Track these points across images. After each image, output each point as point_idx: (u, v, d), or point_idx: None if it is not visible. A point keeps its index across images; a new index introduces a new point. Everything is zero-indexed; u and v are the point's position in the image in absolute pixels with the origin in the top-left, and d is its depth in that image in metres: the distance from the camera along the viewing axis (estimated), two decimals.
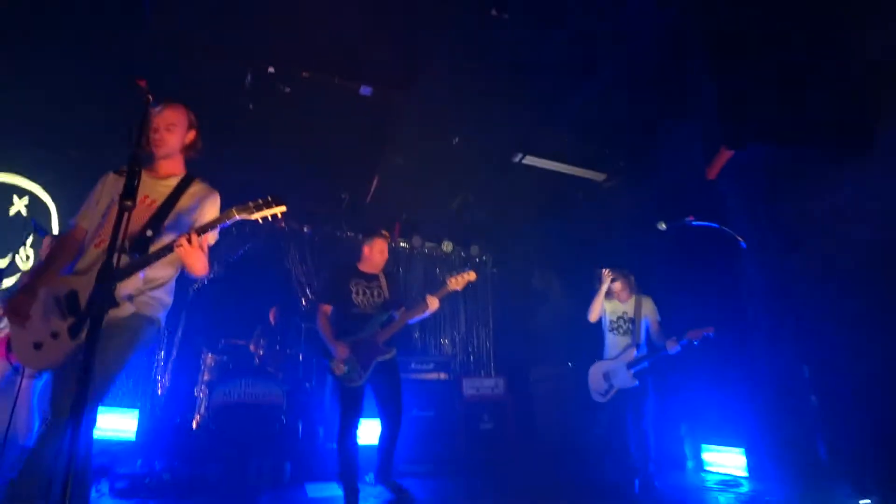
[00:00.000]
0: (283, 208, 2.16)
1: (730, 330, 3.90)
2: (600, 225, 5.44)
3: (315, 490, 4.06)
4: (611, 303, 4.27)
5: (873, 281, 3.06)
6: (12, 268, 4.52)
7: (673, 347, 3.82)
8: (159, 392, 4.99)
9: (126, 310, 2.02)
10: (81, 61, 4.05)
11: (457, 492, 4.22)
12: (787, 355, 3.45)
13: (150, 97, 1.90)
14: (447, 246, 6.49)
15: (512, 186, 5.65)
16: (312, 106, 4.73)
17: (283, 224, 6.02)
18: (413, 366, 5.41)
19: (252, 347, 5.10)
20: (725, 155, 3.28)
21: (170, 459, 4.06)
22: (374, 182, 5.81)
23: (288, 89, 4.56)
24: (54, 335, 1.97)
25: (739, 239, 3.01)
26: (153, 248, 2.06)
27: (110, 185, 2.24)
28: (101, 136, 4.54)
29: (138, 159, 1.70)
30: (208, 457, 4.14)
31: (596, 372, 4.23)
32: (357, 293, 3.65)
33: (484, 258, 6.74)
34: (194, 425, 4.47)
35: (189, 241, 2.01)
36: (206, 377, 4.77)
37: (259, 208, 2.11)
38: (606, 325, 4.27)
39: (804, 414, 2.83)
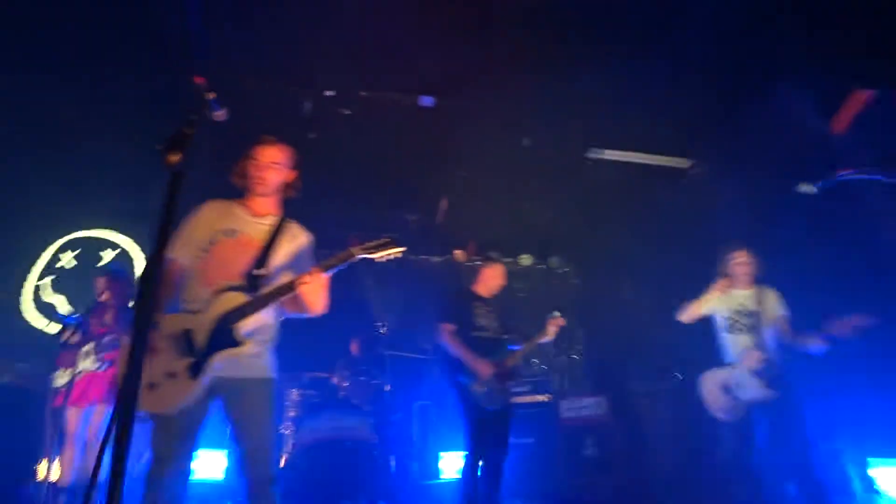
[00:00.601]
0: (403, 250, 2.22)
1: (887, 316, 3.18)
2: (690, 217, 4.85)
3: None
4: (725, 296, 3.49)
5: None
6: None
7: (817, 346, 3.11)
8: None
9: (250, 349, 2.00)
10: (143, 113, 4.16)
11: None
12: None
13: (210, 95, 1.77)
14: (525, 260, 6.12)
15: (588, 187, 5.23)
16: (373, 125, 4.65)
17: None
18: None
19: (335, 380, 4.94)
20: (859, 101, 2.72)
21: None
22: (444, 203, 5.61)
23: (348, 111, 4.50)
24: (171, 375, 1.89)
25: None
26: (267, 290, 2.05)
27: (209, 218, 2.19)
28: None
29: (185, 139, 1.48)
30: (298, 497, 3.93)
31: (711, 384, 3.47)
32: (480, 316, 3.62)
33: (567, 270, 6.28)
34: (282, 464, 4.30)
35: (312, 278, 2.05)
36: (291, 413, 4.63)
37: (379, 249, 2.18)
38: (721, 324, 3.52)
39: None
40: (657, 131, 4.73)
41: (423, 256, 6.10)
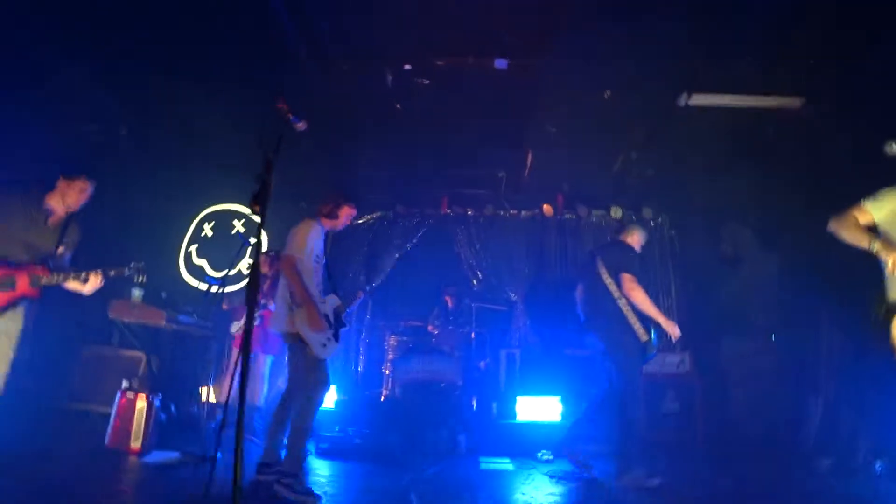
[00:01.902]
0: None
1: None
2: (803, 163, 4.38)
3: (487, 462, 4.23)
4: None
5: None
6: (238, 276, 5.73)
7: None
8: (353, 368, 5.76)
9: None
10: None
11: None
12: None
13: (291, 115, 2.23)
14: (616, 212, 5.99)
15: (681, 134, 4.93)
16: (453, 91, 4.83)
17: (448, 210, 6.31)
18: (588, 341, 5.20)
19: (429, 328, 5.52)
20: None
21: (361, 427, 4.68)
22: (529, 157, 5.67)
23: (426, 81, 4.73)
24: (329, 338, 3.07)
25: None
26: None
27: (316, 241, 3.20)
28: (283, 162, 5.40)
29: (271, 166, 2.00)
30: (393, 426, 4.64)
31: None
32: None
33: (659, 220, 6.05)
34: (382, 398, 5.06)
35: None
36: (390, 356, 5.34)
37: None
38: None
39: None
40: (762, 71, 4.29)
41: (513, 211, 6.27)
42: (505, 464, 4.22)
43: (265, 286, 4.71)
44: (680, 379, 4.79)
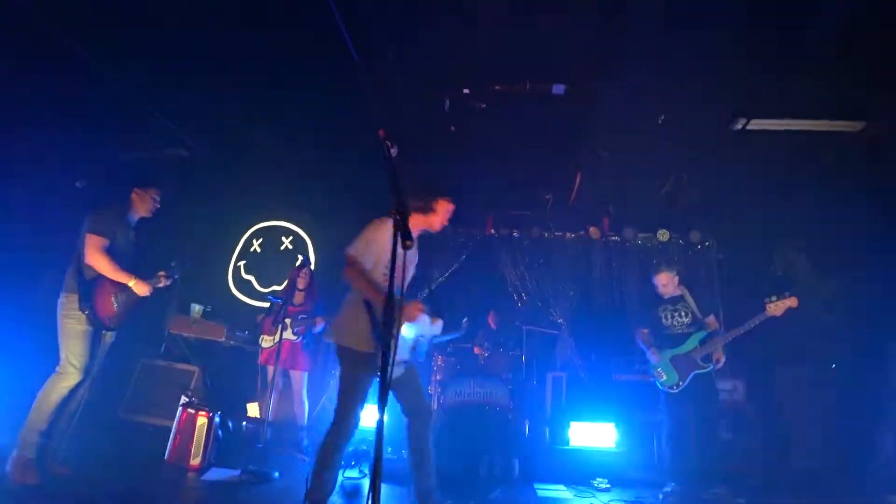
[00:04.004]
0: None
1: None
2: (863, 185, 4.34)
3: (544, 489, 4.16)
4: None
5: None
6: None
7: None
8: None
9: None
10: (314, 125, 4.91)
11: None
12: None
13: (390, 144, 2.24)
14: (663, 235, 5.96)
15: (734, 158, 4.92)
16: (507, 115, 4.90)
17: (493, 231, 6.33)
18: (637, 367, 5.16)
19: (476, 349, 5.49)
20: None
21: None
22: (578, 179, 5.70)
23: (483, 105, 4.81)
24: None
25: None
26: None
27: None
28: (340, 181, 5.51)
29: (405, 205, 1.94)
30: (443, 450, 4.55)
31: None
32: (665, 318, 4.29)
33: (707, 244, 6.00)
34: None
35: None
36: (437, 377, 5.30)
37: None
38: None
39: None
40: (821, 96, 4.30)
41: (558, 233, 6.27)
42: (562, 491, 4.15)
43: (300, 299, 4.72)
44: (734, 406, 4.69)
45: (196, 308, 4.30)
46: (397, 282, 2.01)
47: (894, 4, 3.39)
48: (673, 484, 3.97)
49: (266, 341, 4.69)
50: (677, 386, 4.01)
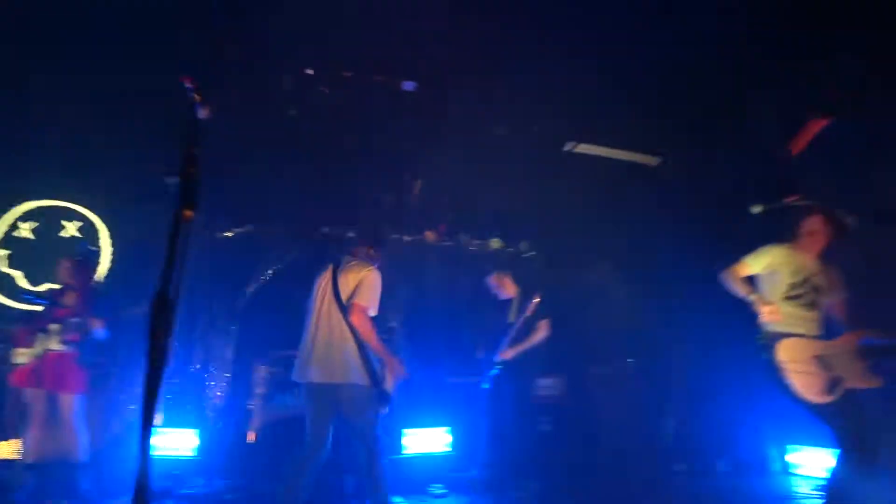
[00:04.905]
0: None
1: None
2: (663, 213, 5.10)
3: None
4: (793, 256, 2.84)
5: None
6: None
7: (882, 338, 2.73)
8: (211, 405, 4.94)
9: None
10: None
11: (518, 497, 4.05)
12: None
13: (198, 97, 1.73)
14: (495, 243, 6.25)
15: (562, 177, 5.37)
16: (353, 106, 4.59)
17: (326, 230, 5.89)
18: (469, 369, 5.26)
19: None
20: (815, 127, 2.94)
21: (229, 477, 3.98)
22: (418, 182, 5.63)
23: (327, 90, 4.43)
24: None
25: (847, 220, 2.64)
26: None
27: None
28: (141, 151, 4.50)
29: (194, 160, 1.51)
30: (268, 471, 4.04)
31: (801, 353, 2.64)
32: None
33: (533, 253, 6.48)
34: (251, 439, 4.39)
35: None
36: (259, 390, 4.68)
37: None
38: (781, 290, 2.80)
39: None
40: (634, 130, 4.91)
41: (394, 235, 6.11)
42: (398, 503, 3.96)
43: (71, 299, 3.65)
44: (553, 401, 5.08)
45: None
46: None
47: (699, 64, 3.98)
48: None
49: (21, 356, 3.54)
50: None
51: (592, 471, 4.61)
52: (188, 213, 1.39)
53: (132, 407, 4.50)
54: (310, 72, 4.27)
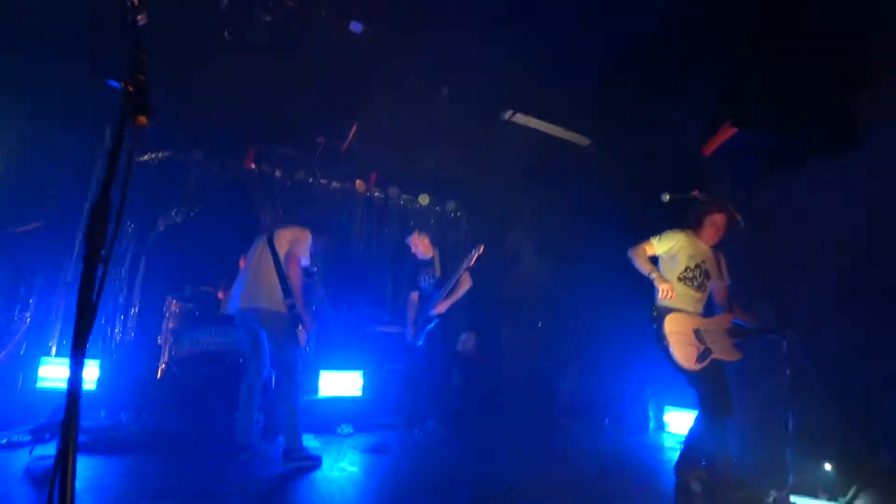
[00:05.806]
0: None
1: None
2: (584, 191, 5.43)
3: None
4: (693, 243, 3.18)
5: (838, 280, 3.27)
6: None
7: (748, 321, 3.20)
8: (117, 339, 4.70)
9: None
10: None
11: (428, 444, 4.29)
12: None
13: (135, 2, 1.61)
14: (424, 199, 6.33)
15: (497, 144, 5.50)
16: (294, 39, 4.36)
17: (253, 166, 5.65)
18: (386, 319, 5.44)
19: (220, 295, 4.86)
20: (726, 133, 3.28)
21: (134, 412, 3.87)
22: (354, 129, 5.51)
23: (269, 18, 4.16)
24: None
25: (739, 218, 3.03)
26: None
27: None
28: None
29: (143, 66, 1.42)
30: (175, 408, 3.98)
31: (684, 327, 3.02)
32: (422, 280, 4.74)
33: (459, 213, 6.65)
34: (158, 375, 4.27)
35: None
36: (170, 325, 4.53)
37: None
38: (678, 271, 3.13)
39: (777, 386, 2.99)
40: (569, 109, 5.11)
41: (323, 180, 6.00)
42: (310, 440, 4.08)
43: None
44: (465, 356, 5.39)
45: None
46: None
47: (635, 56, 4.21)
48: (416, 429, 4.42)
49: None
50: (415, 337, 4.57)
51: (492, 421, 5.04)
52: (142, 118, 1.35)
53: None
54: None
